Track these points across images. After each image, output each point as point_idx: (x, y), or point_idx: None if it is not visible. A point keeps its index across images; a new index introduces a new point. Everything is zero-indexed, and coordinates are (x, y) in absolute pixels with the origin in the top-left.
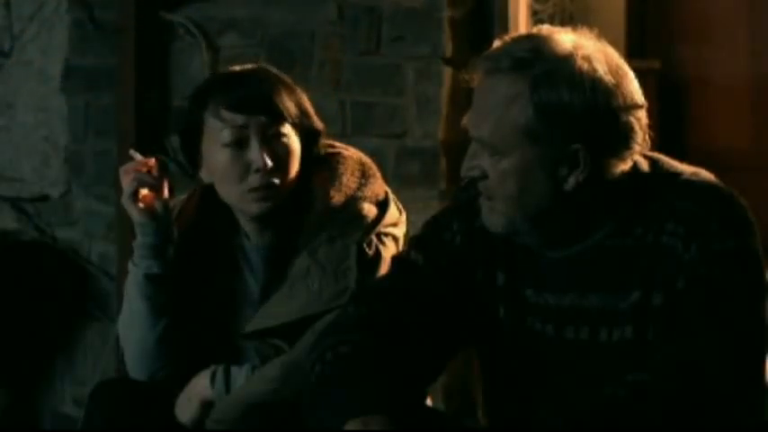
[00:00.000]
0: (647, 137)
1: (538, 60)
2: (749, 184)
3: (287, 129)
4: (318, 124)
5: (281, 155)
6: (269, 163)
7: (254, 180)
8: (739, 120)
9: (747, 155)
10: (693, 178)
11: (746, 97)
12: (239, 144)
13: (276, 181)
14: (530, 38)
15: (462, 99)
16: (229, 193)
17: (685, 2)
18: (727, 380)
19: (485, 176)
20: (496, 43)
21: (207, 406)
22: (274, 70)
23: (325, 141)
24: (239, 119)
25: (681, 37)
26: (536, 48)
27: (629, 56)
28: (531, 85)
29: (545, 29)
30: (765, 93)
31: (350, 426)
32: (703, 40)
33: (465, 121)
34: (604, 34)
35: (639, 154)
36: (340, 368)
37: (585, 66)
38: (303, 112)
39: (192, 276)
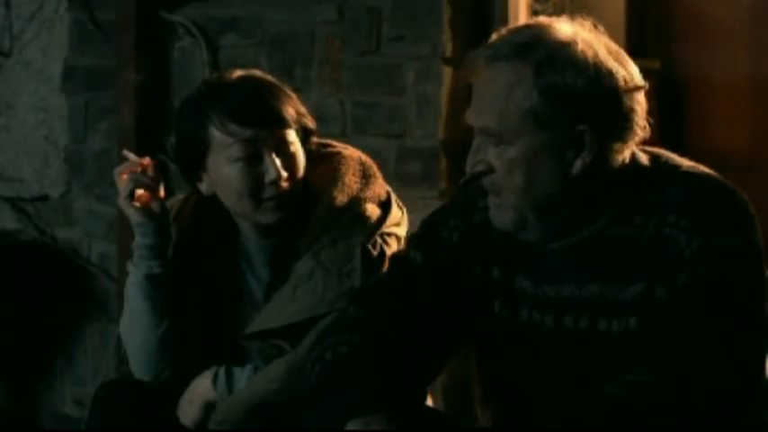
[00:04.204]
0: (645, 124)
1: (539, 45)
2: (749, 184)
3: (291, 135)
4: (311, 123)
5: (291, 162)
6: (284, 174)
7: (268, 192)
8: (739, 120)
9: (747, 155)
10: (694, 171)
11: (746, 97)
12: (250, 157)
13: (288, 188)
14: (529, 27)
15: (462, 99)
16: (240, 205)
17: (685, 2)
18: (728, 379)
19: (491, 170)
20: (494, 36)
21: (209, 407)
22: (261, 74)
23: (317, 139)
24: (248, 132)
25: (681, 37)
26: (536, 35)
27: (629, 56)
28: (534, 70)
29: (543, 19)
30: (765, 93)
31: (351, 425)
32: (703, 40)
33: (467, 115)
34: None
35: (640, 143)
36: (340, 368)
37: (587, 49)
38: (299, 114)
39: (192, 276)
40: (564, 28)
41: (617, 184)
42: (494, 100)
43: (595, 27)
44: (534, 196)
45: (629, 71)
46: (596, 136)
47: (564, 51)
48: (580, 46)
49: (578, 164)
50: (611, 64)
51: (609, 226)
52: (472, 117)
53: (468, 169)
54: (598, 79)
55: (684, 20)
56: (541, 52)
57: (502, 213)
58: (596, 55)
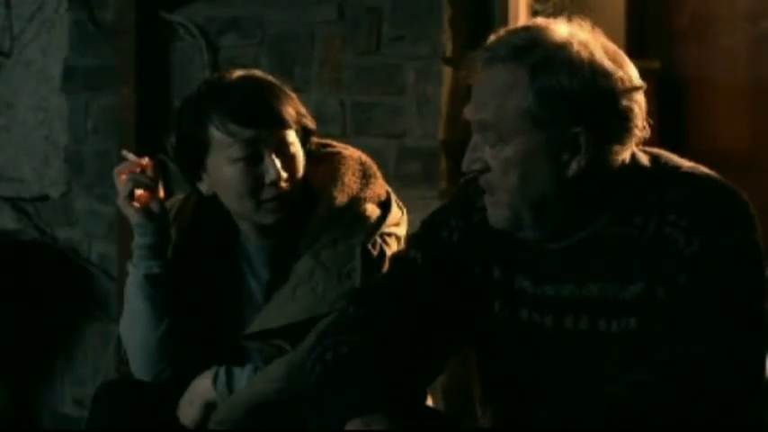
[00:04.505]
0: (645, 125)
1: (536, 48)
2: (749, 184)
3: (291, 136)
4: (311, 123)
5: (291, 163)
6: (284, 175)
7: (268, 192)
8: (739, 120)
9: (747, 155)
10: (694, 171)
11: (746, 97)
12: (250, 158)
13: (288, 189)
14: (526, 29)
15: (462, 99)
16: (240, 205)
17: (685, 2)
18: (728, 379)
19: (487, 169)
20: (492, 37)
21: (209, 407)
22: (261, 74)
23: (317, 139)
24: (248, 132)
25: (681, 37)
26: (533, 37)
27: (629, 56)
28: (530, 72)
29: (541, 20)
30: (765, 93)
31: (351, 425)
32: (703, 40)
33: (465, 110)
34: (604, 34)
35: (639, 144)
36: (340, 368)
37: (583, 51)
38: (299, 114)
39: (192, 276)
40: (561, 30)
41: (616, 185)
42: (491, 99)
43: (593, 28)
44: (529, 196)
45: (626, 72)
46: (592, 138)
47: (560, 53)
48: (576, 48)
49: (574, 166)
50: (608, 66)
51: (609, 226)
52: (470, 112)
53: (464, 167)
54: (594, 81)
55: (684, 20)
56: (537, 55)
57: (497, 211)
58: (592, 57)
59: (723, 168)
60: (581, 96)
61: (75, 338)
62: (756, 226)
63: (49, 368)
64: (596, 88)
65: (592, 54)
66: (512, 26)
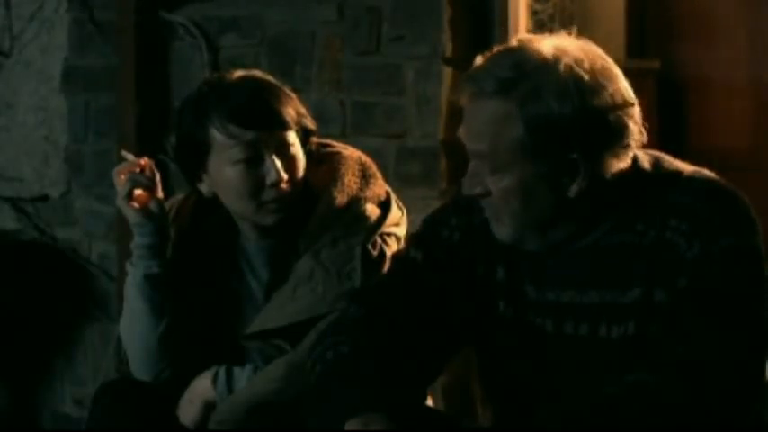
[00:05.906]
0: (642, 132)
1: (521, 78)
2: (749, 184)
3: (292, 137)
4: (311, 123)
5: (291, 164)
6: (285, 176)
7: (269, 194)
8: (739, 120)
9: (747, 155)
10: (696, 175)
11: (746, 97)
12: (251, 159)
13: (288, 190)
14: (510, 53)
15: None
16: (241, 206)
17: (685, 2)
18: (729, 380)
19: (488, 194)
20: (478, 60)
21: (209, 407)
22: (261, 75)
23: (317, 139)
24: (249, 134)
25: (681, 37)
26: (517, 64)
27: (629, 56)
28: (518, 104)
29: (524, 38)
30: (765, 93)
31: (350, 425)
32: (703, 40)
33: (460, 134)
34: (604, 34)
35: (639, 149)
36: (340, 367)
37: (569, 73)
38: (299, 115)
39: (191, 276)
40: (545, 49)
41: (618, 192)
42: (484, 128)
43: (581, 39)
44: (531, 218)
45: (617, 88)
46: (590, 160)
47: (546, 80)
48: (563, 70)
49: (575, 188)
50: (597, 84)
51: (611, 232)
52: (465, 139)
53: (465, 191)
54: (583, 103)
55: (684, 20)
56: (524, 87)
57: (500, 228)
58: (580, 78)
59: (723, 168)
60: (571, 121)
61: (75, 338)
62: (758, 229)
63: (49, 368)
64: (586, 110)
65: (580, 76)
66: (514, 32)
